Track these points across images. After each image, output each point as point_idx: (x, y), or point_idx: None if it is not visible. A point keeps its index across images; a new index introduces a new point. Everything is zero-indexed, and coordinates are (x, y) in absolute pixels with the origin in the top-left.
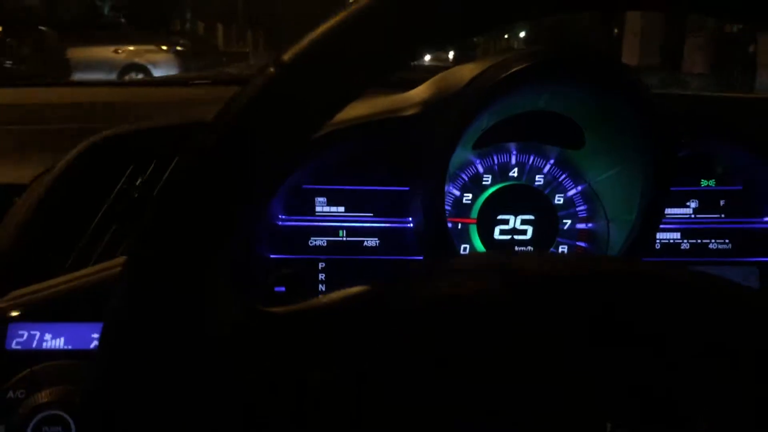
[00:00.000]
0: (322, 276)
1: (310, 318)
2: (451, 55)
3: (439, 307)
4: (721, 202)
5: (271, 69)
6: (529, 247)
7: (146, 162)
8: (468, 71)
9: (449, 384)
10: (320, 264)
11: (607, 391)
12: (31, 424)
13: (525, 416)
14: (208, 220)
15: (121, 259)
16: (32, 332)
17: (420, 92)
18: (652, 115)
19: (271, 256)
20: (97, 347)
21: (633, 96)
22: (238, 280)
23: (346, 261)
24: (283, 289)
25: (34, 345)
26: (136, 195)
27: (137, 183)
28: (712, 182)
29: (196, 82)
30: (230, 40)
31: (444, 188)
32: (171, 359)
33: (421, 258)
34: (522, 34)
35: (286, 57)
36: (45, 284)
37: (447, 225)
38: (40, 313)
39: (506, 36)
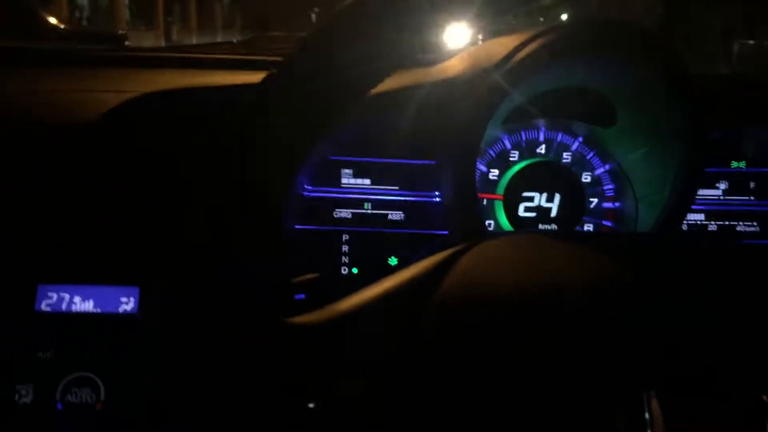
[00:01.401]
0: (345, 248)
1: (331, 328)
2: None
3: (451, 314)
4: (751, 185)
5: None
6: (554, 226)
7: (179, 125)
8: (501, 45)
9: (467, 390)
10: (344, 236)
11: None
12: (61, 385)
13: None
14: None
15: (154, 221)
16: (62, 294)
17: (452, 65)
18: (693, 95)
19: (296, 227)
20: (129, 313)
21: (674, 74)
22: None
23: (370, 233)
24: (303, 296)
25: (63, 307)
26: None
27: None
28: (742, 164)
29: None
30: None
31: (476, 164)
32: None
33: (446, 232)
34: (564, 17)
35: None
36: (74, 246)
37: (477, 201)
38: (69, 276)
39: (541, 19)
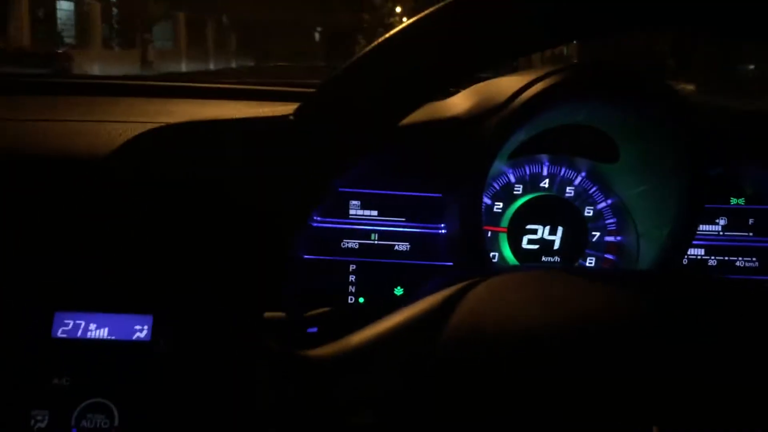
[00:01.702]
0: (352, 278)
1: (345, 361)
2: None
3: (465, 347)
4: (750, 221)
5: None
6: (557, 258)
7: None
8: (510, 83)
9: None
10: (351, 266)
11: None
12: (76, 411)
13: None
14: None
15: (170, 250)
16: (77, 321)
17: (459, 101)
18: (693, 135)
19: (305, 257)
20: (143, 340)
21: (675, 115)
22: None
23: (376, 264)
24: (315, 329)
25: (79, 334)
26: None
27: (181, 180)
28: (741, 200)
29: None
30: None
31: (482, 197)
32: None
33: (451, 264)
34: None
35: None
36: (90, 274)
37: (482, 233)
38: (85, 303)
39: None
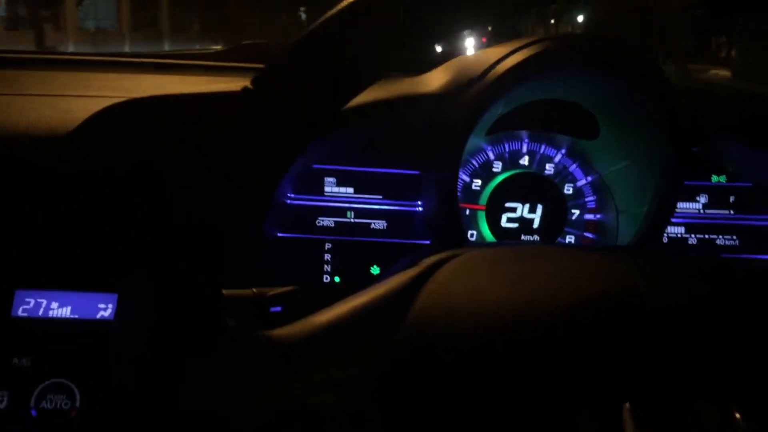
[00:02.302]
0: (328, 257)
1: (302, 344)
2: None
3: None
4: (731, 199)
5: None
6: (536, 236)
7: (159, 132)
8: (485, 57)
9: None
10: (327, 245)
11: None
12: (36, 392)
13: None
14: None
15: (133, 230)
16: (39, 300)
17: (435, 76)
18: (673, 110)
19: (279, 234)
20: (107, 319)
21: (655, 88)
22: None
23: (352, 242)
24: (279, 309)
25: (40, 313)
26: (148, 168)
27: (148, 156)
28: (722, 178)
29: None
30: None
31: (458, 174)
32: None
33: (428, 242)
34: (580, 19)
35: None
36: (53, 253)
37: (459, 211)
38: (47, 281)
39: (552, 21)
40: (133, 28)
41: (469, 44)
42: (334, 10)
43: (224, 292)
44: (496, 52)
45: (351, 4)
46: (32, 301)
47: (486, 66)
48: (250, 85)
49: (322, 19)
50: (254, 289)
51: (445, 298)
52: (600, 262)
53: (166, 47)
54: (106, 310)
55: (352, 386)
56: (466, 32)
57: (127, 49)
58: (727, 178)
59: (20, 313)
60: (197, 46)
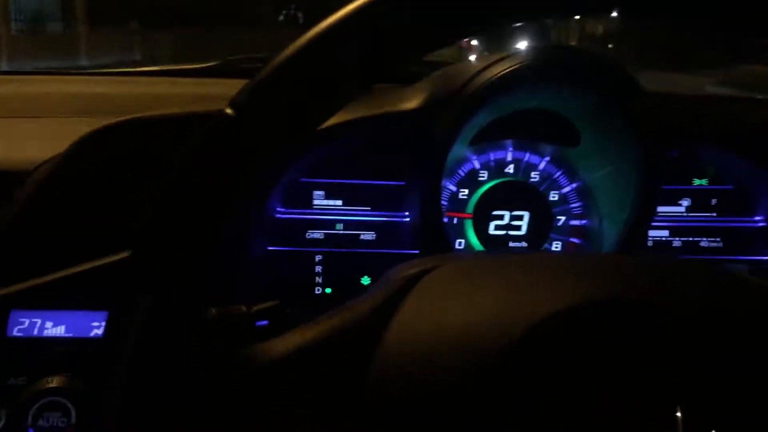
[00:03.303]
0: (318, 269)
1: (276, 362)
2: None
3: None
4: (713, 201)
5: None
6: (524, 243)
7: (151, 151)
8: (467, 69)
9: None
10: (317, 257)
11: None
12: (32, 411)
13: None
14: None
15: (124, 248)
16: (33, 320)
17: (420, 89)
18: (642, 117)
19: (269, 248)
20: (100, 338)
21: (623, 97)
22: (235, 275)
23: (342, 254)
24: (266, 323)
25: (35, 332)
26: (138, 185)
27: (139, 172)
28: (704, 181)
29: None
30: None
31: (441, 184)
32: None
33: (417, 252)
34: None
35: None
36: (46, 272)
37: (443, 220)
38: (41, 301)
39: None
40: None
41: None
42: (316, 30)
43: (214, 309)
44: (476, 65)
45: (333, 25)
46: (27, 321)
47: (466, 79)
48: (228, 109)
49: (304, 38)
50: (243, 307)
51: (414, 320)
52: (569, 271)
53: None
54: (99, 328)
55: (320, 406)
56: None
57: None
58: (708, 181)
59: (15, 333)
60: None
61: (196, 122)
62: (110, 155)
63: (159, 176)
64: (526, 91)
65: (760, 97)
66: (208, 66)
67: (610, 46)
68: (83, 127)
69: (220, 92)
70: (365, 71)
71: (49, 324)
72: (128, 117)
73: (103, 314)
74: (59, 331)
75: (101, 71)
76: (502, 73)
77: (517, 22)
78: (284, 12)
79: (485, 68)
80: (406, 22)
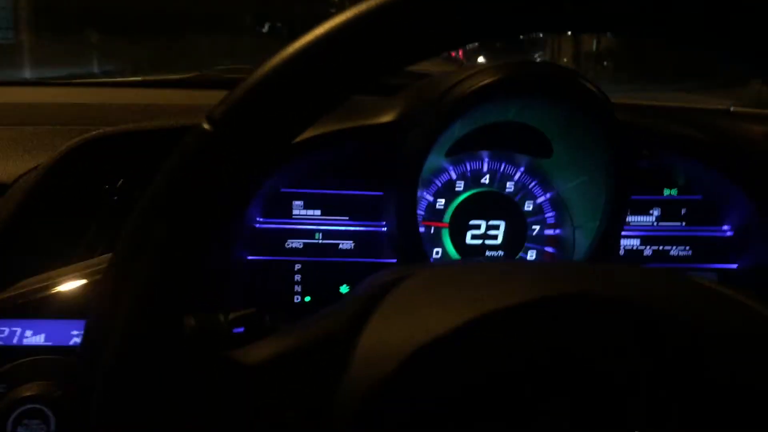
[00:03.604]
0: (298, 277)
1: (271, 362)
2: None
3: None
4: (682, 211)
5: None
6: (500, 252)
7: (130, 163)
8: (443, 82)
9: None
10: (296, 266)
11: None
12: (12, 418)
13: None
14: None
15: (102, 258)
16: (13, 328)
17: (397, 101)
18: (610, 129)
19: (248, 257)
20: (78, 346)
21: (590, 110)
22: (214, 284)
23: (321, 263)
24: (242, 329)
25: (15, 341)
26: (116, 197)
27: (118, 184)
28: (674, 191)
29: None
30: None
31: (416, 193)
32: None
33: (395, 261)
34: None
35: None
36: (26, 282)
37: (418, 229)
38: (21, 310)
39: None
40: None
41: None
42: (295, 45)
43: (192, 316)
44: (453, 77)
45: (315, 40)
46: (6, 330)
47: (441, 92)
48: (205, 123)
49: (284, 52)
50: (221, 315)
51: (384, 334)
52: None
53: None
54: (78, 336)
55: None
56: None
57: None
58: (678, 191)
59: None
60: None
61: (175, 135)
62: (91, 167)
63: (138, 191)
64: (500, 104)
65: (732, 109)
66: (190, 77)
67: (605, 63)
68: (61, 137)
69: (204, 102)
70: (344, 84)
71: (29, 332)
72: (108, 129)
73: (83, 323)
74: (39, 339)
75: (82, 81)
76: (476, 87)
77: (510, 36)
78: (267, 24)
79: (460, 81)
80: (386, 37)
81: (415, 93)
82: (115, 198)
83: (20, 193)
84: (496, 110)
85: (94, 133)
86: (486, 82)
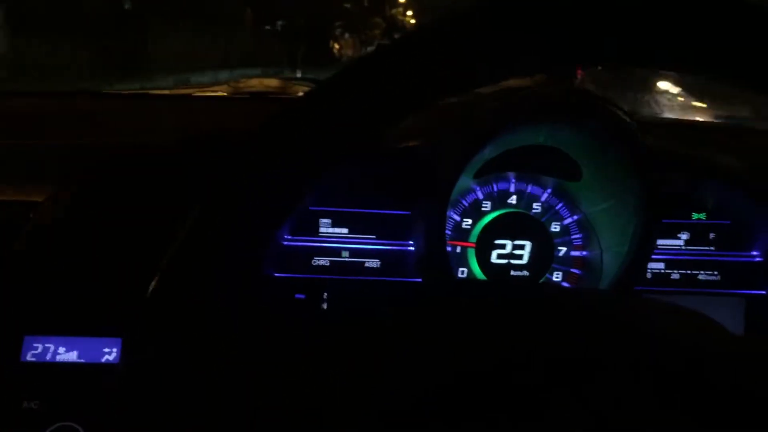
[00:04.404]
0: (325, 294)
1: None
2: None
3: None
4: (711, 235)
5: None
6: (525, 272)
7: (156, 177)
8: (477, 105)
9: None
10: (323, 283)
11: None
12: None
13: None
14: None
15: (134, 273)
16: (46, 345)
17: (428, 120)
18: (638, 155)
19: (276, 274)
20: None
21: (618, 136)
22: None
23: (348, 281)
24: (303, 296)
25: (48, 357)
26: (145, 211)
27: (145, 198)
28: (702, 215)
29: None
30: None
31: (446, 215)
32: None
33: (420, 280)
34: None
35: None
36: (59, 299)
37: (446, 250)
38: (54, 327)
39: None
40: None
41: None
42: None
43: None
44: (485, 102)
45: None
46: (40, 347)
47: (474, 115)
48: (262, 133)
49: (355, 63)
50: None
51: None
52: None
53: None
54: (111, 354)
55: None
56: None
57: None
58: (707, 215)
59: (29, 357)
60: None
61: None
62: (126, 181)
63: (191, 204)
64: (527, 129)
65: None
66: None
67: None
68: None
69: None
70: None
71: (62, 349)
72: (134, 141)
73: (115, 341)
74: (72, 356)
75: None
76: (508, 112)
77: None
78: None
79: (493, 106)
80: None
81: (448, 114)
82: (154, 212)
83: (53, 208)
84: (526, 134)
85: (125, 148)
86: (516, 108)
